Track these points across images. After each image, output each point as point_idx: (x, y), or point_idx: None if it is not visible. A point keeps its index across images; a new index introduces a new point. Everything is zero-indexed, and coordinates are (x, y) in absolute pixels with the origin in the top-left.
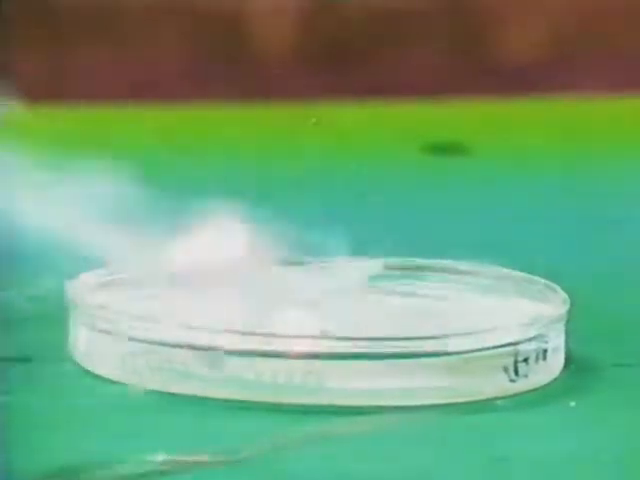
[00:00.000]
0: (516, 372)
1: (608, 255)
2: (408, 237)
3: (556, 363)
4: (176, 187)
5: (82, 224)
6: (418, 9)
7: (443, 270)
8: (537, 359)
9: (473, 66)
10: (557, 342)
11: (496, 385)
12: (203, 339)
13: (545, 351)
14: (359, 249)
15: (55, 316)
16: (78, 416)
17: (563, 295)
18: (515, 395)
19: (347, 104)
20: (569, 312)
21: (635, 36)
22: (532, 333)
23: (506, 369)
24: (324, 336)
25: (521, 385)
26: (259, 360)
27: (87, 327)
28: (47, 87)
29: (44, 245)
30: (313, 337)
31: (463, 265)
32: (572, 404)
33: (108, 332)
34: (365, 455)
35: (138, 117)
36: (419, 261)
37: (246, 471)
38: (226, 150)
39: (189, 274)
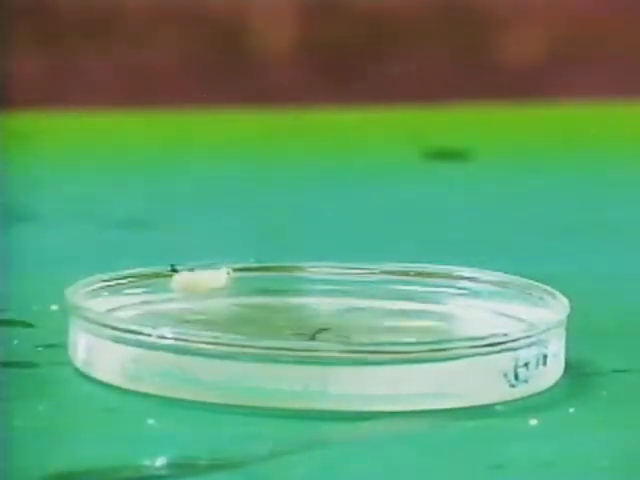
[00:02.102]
0: (516, 377)
1: (608, 260)
2: (407, 242)
3: (556, 368)
4: (176, 189)
5: (82, 228)
6: (418, 13)
7: (442, 275)
8: (537, 364)
9: (474, 70)
10: (557, 347)
11: (496, 390)
12: (203, 345)
13: (545, 356)
14: (358, 254)
15: (57, 322)
16: (78, 422)
17: (563, 300)
18: (515, 400)
19: (346, 108)
20: (569, 317)
21: (635, 40)
22: (532, 338)
23: (506, 374)
24: (323, 341)
25: (521, 390)
26: (260, 366)
27: (87, 332)
28: (46, 90)
29: (44, 250)
30: (314, 342)
31: (462, 270)
32: (571, 410)
33: (108, 337)
34: (365, 461)
35: (136, 120)
36: (418, 266)
37: (246, 477)
38: (226, 154)
39: (186, 279)
